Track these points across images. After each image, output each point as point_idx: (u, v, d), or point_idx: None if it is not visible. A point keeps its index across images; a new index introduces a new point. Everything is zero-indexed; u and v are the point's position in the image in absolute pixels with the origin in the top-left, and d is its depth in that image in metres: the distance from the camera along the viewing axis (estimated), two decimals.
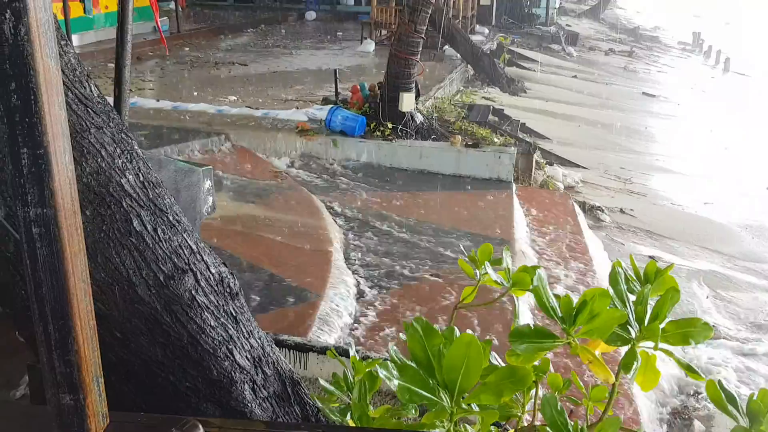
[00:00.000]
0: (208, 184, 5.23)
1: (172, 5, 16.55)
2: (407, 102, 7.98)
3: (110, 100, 2.22)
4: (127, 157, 1.68)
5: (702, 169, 10.79)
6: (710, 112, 15.62)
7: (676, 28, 35.40)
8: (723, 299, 5.99)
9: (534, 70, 16.26)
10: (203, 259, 1.78)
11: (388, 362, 1.41)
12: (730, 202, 9.25)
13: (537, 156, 8.46)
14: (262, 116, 8.48)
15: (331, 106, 8.24)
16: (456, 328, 1.60)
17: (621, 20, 34.57)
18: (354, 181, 7.08)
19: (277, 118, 8.40)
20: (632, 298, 1.73)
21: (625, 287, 1.72)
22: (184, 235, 1.75)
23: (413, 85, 8.21)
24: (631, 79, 18.41)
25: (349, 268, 4.96)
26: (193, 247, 1.76)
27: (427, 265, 5.08)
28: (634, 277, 1.78)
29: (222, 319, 1.78)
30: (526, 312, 4.07)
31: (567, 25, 25.62)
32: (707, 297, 5.92)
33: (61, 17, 9.65)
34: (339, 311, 4.25)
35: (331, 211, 6.10)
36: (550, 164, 8.94)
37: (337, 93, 8.97)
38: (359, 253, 5.25)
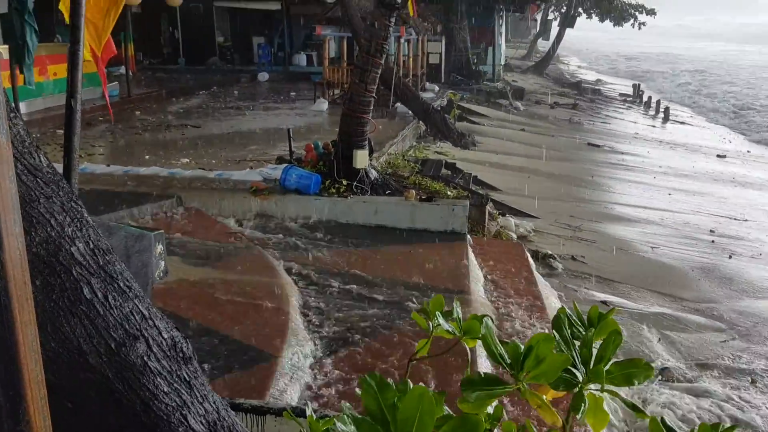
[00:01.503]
0: (159, 248, 5.19)
1: (123, 70, 16.61)
2: (361, 159, 8.10)
3: (59, 167, 2.23)
4: (76, 225, 1.69)
5: (648, 214, 11.14)
6: (653, 159, 16.22)
7: (617, 81, 36.95)
8: (671, 340, 6.13)
9: (483, 125, 16.71)
10: (155, 325, 1.78)
11: (345, 416, 1.43)
12: (677, 245, 9.54)
13: (490, 207, 8.64)
14: (215, 177, 8.48)
15: (285, 165, 8.30)
16: (410, 380, 1.63)
17: (564, 75, 35.95)
18: (310, 239, 7.09)
19: (230, 178, 8.41)
20: (578, 342, 1.80)
21: (570, 332, 1.78)
22: (136, 301, 1.76)
23: (366, 142, 8.36)
24: (576, 130, 19.06)
25: (307, 327, 4.93)
26: (145, 312, 1.76)
27: (384, 319, 5.09)
28: (579, 322, 1.85)
29: (175, 385, 1.77)
30: (485, 360, 4.10)
31: (513, 80, 26.53)
32: (659, 340, 6.05)
33: (7, 85, 9.58)
34: (297, 371, 4.21)
35: (287, 270, 6.09)
36: (503, 215, 9.13)
37: (291, 152, 9.06)
38: (317, 312, 5.24)
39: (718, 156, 17.68)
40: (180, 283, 5.55)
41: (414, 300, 5.41)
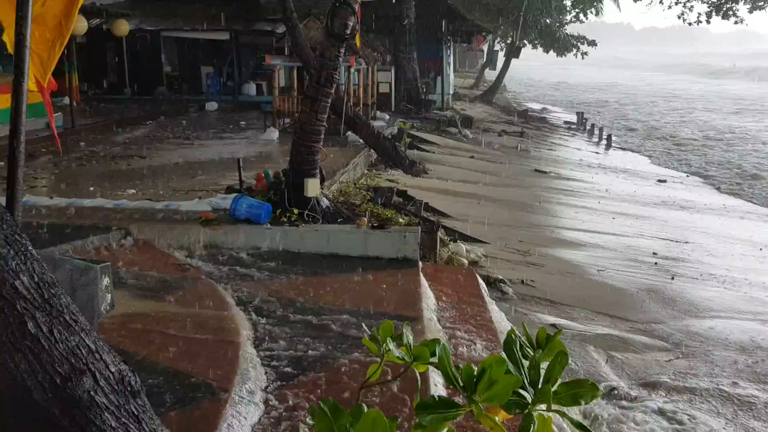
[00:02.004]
0: (106, 281, 5.08)
1: (66, 101, 16.30)
2: (312, 187, 8.11)
3: (2, 200, 2.19)
4: (20, 259, 1.65)
5: (594, 238, 11.42)
6: (597, 184, 16.69)
7: (561, 109, 38.02)
8: (618, 361, 6.27)
9: (434, 152, 16.94)
10: (102, 358, 1.74)
11: None
12: (622, 267, 9.80)
13: (441, 233, 8.72)
14: (163, 208, 8.35)
15: (235, 194, 8.24)
16: (364, 405, 1.64)
17: (511, 103, 36.82)
18: (261, 269, 7.03)
19: (179, 209, 8.29)
20: (527, 364, 1.84)
21: (520, 354, 1.82)
22: (82, 335, 1.72)
23: (318, 170, 8.37)
24: (524, 157, 19.49)
25: (259, 359, 4.87)
26: (91, 346, 1.73)
27: (338, 348, 5.07)
28: (528, 344, 1.89)
29: (123, 419, 1.74)
30: (437, 385, 4.12)
31: (462, 109, 27.02)
32: (606, 361, 6.18)
33: None
34: (248, 404, 4.15)
35: (238, 302, 6.01)
36: (454, 241, 9.22)
37: (241, 181, 9.01)
38: (269, 343, 5.18)
39: (658, 180, 18.30)
40: (127, 316, 5.42)
41: (366, 327, 5.39)
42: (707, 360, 6.77)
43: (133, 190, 9.52)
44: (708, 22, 25.87)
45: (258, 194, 8.37)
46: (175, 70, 25.42)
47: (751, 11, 24.34)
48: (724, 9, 24.60)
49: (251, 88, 22.94)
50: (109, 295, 5.43)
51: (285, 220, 7.80)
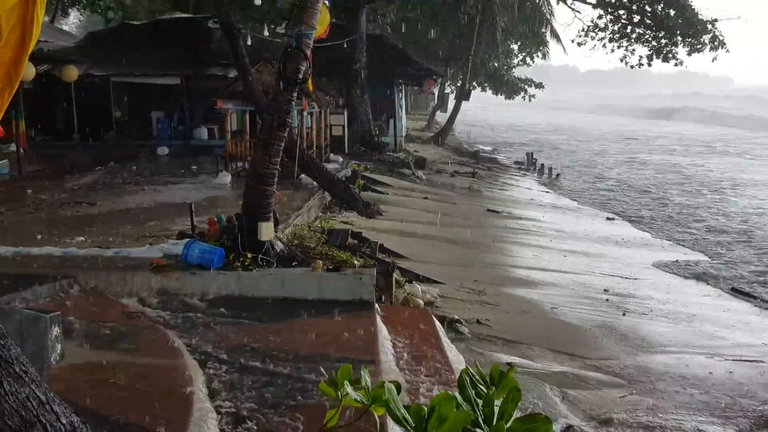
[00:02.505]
0: (55, 331, 4.95)
1: (13, 147, 15.96)
2: (266, 231, 8.07)
3: None
4: None
5: (547, 276, 11.62)
6: (548, 223, 17.03)
7: (511, 149, 38.88)
8: (573, 398, 6.34)
9: (388, 194, 17.07)
10: (53, 410, 1.70)
11: None
12: (575, 305, 9.97)
13: (396, 275, 8.75)
14: (113, 255, 8.18)
15: (187, 240, 8.14)
16: None
17: (463, 144, 37.49)
18: (215, 315, 6.92)
19: (129, 256, 8.13)
20: (481, 401, 1.86)
21: (473, 392, 1.85)
22: (32, 386, 1.68)
23: (271, 214, 8.34)
24: (476, 197, 19.79)
25: (213, 408, 4.77)
26: (42, 397, 1.69)
27: (294, 393, 5.00)
28: (482, 381, 1.92)
29: None
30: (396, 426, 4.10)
31: (415, 150, 27.37)
32: (562, 399, 6.24)
33: None
34: None
35: (191, 350, 5.90)
36: (410, 282, 9.26)
37: (193, 226, 8.91)
38: (223, 390, 5.08)
39: (607, 218, 18.77)
40: (77, 367, 5.26)
41: (323, 371, 5.35)
42: (661, 396, 6.89)
43: (82, 238, 9.31)
44: (649, 64, 27.01)
45: (210, 239, 8.28)
46: (125, 115, 25.16)
47: (689, 54, 25.53)
48: (664, 52, 25.75)
49: (203, 132, 22.83)
50: (59, 346, 5.29)
51: (238, 264, 7.72)
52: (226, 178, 15.07)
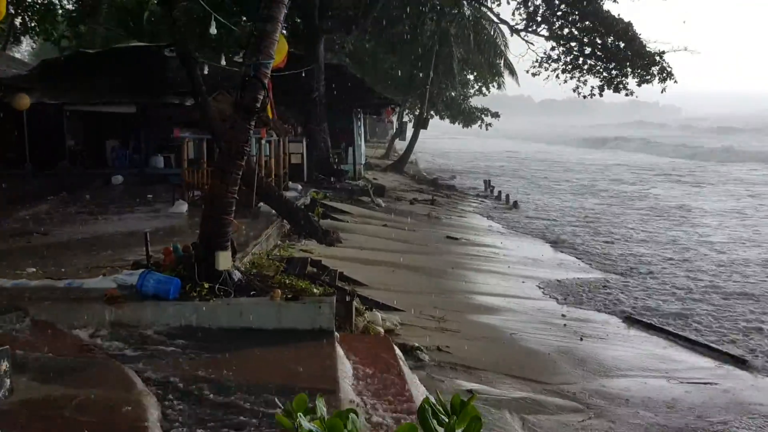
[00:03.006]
0: (4, 365, 4.79)
1: None
2: (223, 260, 7.95)
3: None
4: None
5: (506, 302, 11.71)
6: (506, 249, 17.20)
7: (470, 177, 39.36)
8: (533, 424, 6.36)
9: (347, 221, 17.06)
10: None
11: None
12: (533, 330, 10.06)
13: (356, 303, 8.71)
14: (65, 287, 7.96)
15: (142, 270, 7.97)
16: None
17: (422, 172, 37.79)
18: (171, 346, 6.76)
19: (82, 287, 7.93)
20: (442, 430, 1.85)
21: (435, 421, 1.84)
22: None
23: (229, 243, 8.23)
24: (435, 224, 19.91)
25: None
26: None
27: (251, 425, 4.91)
28: (442, 411, 1.91)
29: None
30: None
31: (374, 178, 27.49)
32: (522, 425, 6.26)
33: None
34: None
35: (146, 382, 5.74)
36: (370, 310, 9.22)
37: (148, 256, 8.73)
38: (179, 425, 4.95)
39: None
40: (27, 402, 5.07)
41: (280, 402, 5.26)
42: (619, 420, 6.96)
43: (33, 269, 9.04)
44: (601, 95, 27.76)
45: (166, 269, 8.12)
46: (78, 144, 24.67)
47: (639, 84, 26.34)
48: (615, 83, 26.53)
49: (159, 161, 22.54)
50: (7, 381, 5.11)
51: (195, 294, 7.58)
52: (183, 207, 14.87)
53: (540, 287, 13.02)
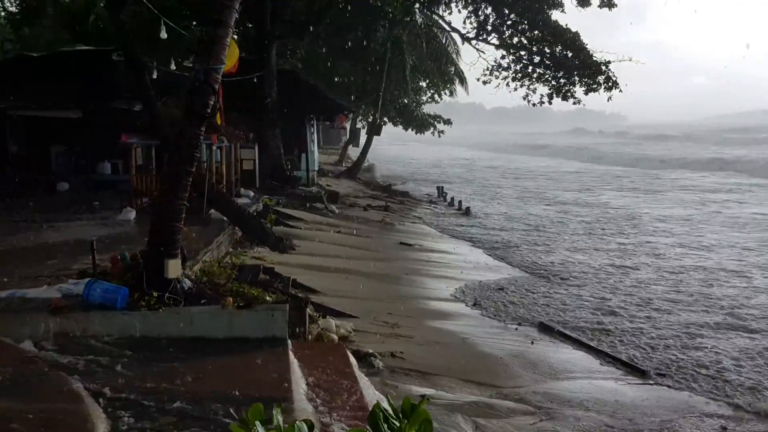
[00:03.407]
0: None
1: None
2: (173, 268, 7.81)
3: None
4: None
5: (458, 307, 11.80)
6: (459, 254, 17.35)
7: (423, 183, 39.61)
8: (485, 427, 6.42)
9: (300, 228, 16.96)
10: None
11: None
12: (485, 335, 10.16)
13: (310, 310, 8.66)
14: (7, 297, 7.70)
15: (88, 279, 7.76)
16: None
17: (375, 178, 37.86)
18: (119, 357, 6.60)
19: (25, 297, 7.68)
20: None
21: (386, 426, 1.84)
22: None
23: (179, 250, 8.09)
24: (389, 230, 19.96)
25: None
26: None
27: None
28: (394, 415, 1.92)
29: None
30: None
31: (327, 185, 27.41)
32: (475, 429, 6.31)
33: None
34: None
35: (93, 394, 5.59)
36: (324, 317, 9.18)
37: (95, 265, 8.51)
38: None
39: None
40: None
41: (234, 412, 5.19)
42: (568, 421, 7.08)
43: None
44: (550, 103, 28.40)
45: (114, 278, 7.92)
46: (22, 150, 23.92)
47: (586, 93, 27.02)
48: (563, 91, 27.17)
49: (106, 167, 22.01)
50: None
51: (144, 304, 7.42)
52: (131, 214, 14.56)
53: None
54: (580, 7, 26.75)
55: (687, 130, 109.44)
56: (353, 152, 43.86)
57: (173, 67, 17.68)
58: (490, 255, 17.64)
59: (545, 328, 10.69)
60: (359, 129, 45.08)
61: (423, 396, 6.75)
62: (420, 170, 51.87)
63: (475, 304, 12.00)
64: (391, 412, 1.90)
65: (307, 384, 6.20)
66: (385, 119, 39.71)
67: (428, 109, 42.75)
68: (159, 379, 5.98)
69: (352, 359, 7.31)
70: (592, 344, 9.96)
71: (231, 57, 9.88)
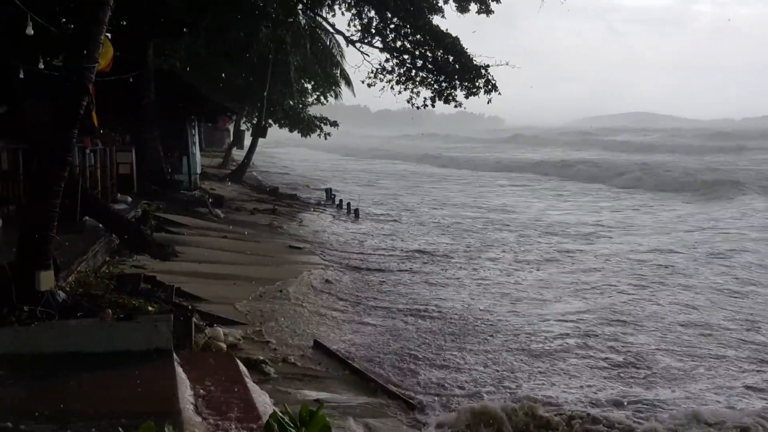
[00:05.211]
0: None
1: None
2: (45, 280, 7.32)
3: None
4: None
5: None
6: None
7: (311, 185, 39.42)
8: (376, 428, 6.48)
9: (184, 234, 16.38)
10: None
11: None
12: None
13: (196, 319, 8.38)
14: None
15: None
16: None
17: (262, 182, 37.26)
18: None
19: None
20: None
21: None
22: None
23: (51, 261, 7.60)
24: (277, 234, 19.70)
25: None
26: None
27: None
28: (291, 424, 1.87)
29: None
30: None
31: (211, 188, 26.67)
32: (367, 430, 6.35)
33: None
34: None
35: None
36: (211, 325, 8.92)
37: None
38: None
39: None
40: None
41: (122, 430, 4.91)
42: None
43: None
44: (433, 106, 29.07)
45: None
46: None
47: (467, 96, 27.89)
48: (445, 95, 27.92)
49: None
50: None
51: (13, 319, 6.90)
52: None
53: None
54: (459, 13, 27.60)
55: (537, 132, 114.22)
56: (238, 155, 42.94)
57: (42, 65, 16.55)
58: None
59: (318, 345, 9.20)
60: (243, 131, 44.18)
61: (318, 401, 6.70)
62: (308, 173, 51.59)
63: None
64: (288, 421, 1.85)
65: (196, 396, 5.99)
66: (271, 121, 39.18)
67: (314, 111, 42.65)
68: (35, 399, 5.58)
69: (243, 367, 7.14)
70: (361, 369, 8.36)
71: (105, 55, 9.43)
